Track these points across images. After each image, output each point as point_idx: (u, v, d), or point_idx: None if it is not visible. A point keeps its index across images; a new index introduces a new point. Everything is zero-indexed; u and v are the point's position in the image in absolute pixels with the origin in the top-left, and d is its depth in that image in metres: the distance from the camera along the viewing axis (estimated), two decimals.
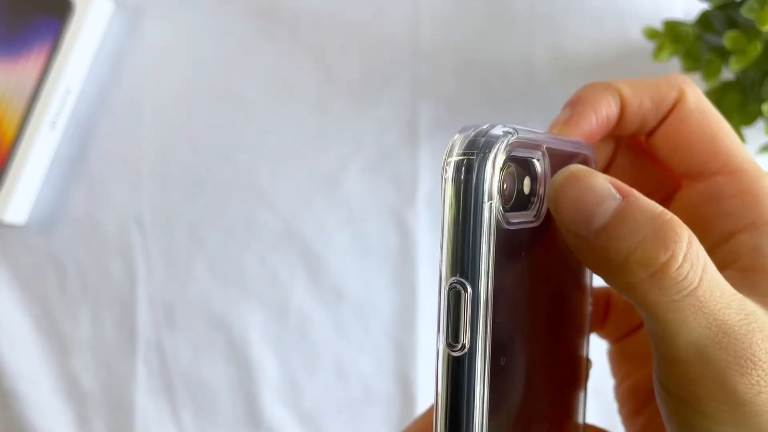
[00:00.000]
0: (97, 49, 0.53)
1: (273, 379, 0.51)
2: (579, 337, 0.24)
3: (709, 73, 0.42)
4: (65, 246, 0.52)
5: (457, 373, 0.16)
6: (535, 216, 0.18)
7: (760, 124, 0.42)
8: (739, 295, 0.17)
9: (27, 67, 0.51)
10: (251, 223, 0.52)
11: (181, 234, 0.52)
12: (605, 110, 0.21)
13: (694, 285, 0.16)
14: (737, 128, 0.42)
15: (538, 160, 0.19)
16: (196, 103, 0.53)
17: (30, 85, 0.51)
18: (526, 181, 0.18)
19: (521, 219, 0.17)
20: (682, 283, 0.16)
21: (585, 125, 0.21)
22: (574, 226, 0.17)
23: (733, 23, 0.42)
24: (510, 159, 0.18)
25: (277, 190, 0.52)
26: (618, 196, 0.17)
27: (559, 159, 0.19)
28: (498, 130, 0.18)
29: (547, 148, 0.19)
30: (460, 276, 0.16)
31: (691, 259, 0.16)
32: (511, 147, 0.18)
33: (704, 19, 0.43)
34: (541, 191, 0.19)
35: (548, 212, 0.19)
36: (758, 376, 0.16)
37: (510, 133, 0.18)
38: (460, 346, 0.16)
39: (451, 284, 0.16)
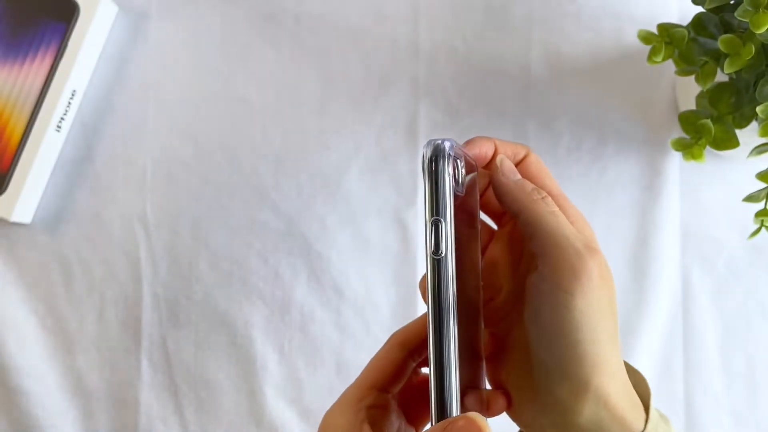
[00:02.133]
0: (102, 52, 0.54)
1: (275, 375, 0.52)
2: (478, 306, 0.34)
3: (703, 75, 0.42)
4: (70, 245, 0.53)
5: (439, 269, 0.29)
6: (460, 190, 0.31)
7: (753, 125, 0.43)
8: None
9: (33, 70, 0.52)
10: (253, 222, 0.53)
11: (185, 233, 0.53)
12: (485, 148, 0.33)
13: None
14: (731, 130, 0.43)
15: (462, 158, 0.31)
16: (199, 104, 0.54)
17: (36, 88, 0.51)
18: (458, 169, 0.31)
19: (457, 190, 0.30)
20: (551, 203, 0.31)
21: (476, 150, 0.33)
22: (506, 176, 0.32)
23: (727, 26, 0.43)
24: (453, 157, 0.30)
25: (278, 190, 0.53)
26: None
27: (468, 161, 0.32)
28: (447, 144, 0.30)
29: (464, 154, 0.32)
30: (437, 215, 0.29)
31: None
32: (454, 151, 0.30)
33: (698, 22, 0.43)
34: (462, 176, 0.31)
35: (466, 189, 0.32)
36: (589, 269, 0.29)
37: (452, 145, 0.30)
38: (440, 252, 0.29)
39: (433, 220, 0.29)
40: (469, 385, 0.31)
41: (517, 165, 0.34)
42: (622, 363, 0.31)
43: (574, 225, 0.32)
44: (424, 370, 0.35)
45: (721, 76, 0.42)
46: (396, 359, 0.34)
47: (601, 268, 0.30)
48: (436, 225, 0.29)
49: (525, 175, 0.34)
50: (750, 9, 0.38)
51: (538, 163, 0.35)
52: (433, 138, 0.31)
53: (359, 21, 0.54)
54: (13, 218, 0.51)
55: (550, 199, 0.32)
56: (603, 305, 0.30)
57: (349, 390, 0.34)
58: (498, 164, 0.33)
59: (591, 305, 0.29)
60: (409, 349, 0.35)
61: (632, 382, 0.32)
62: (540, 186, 0.33)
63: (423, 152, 0.31)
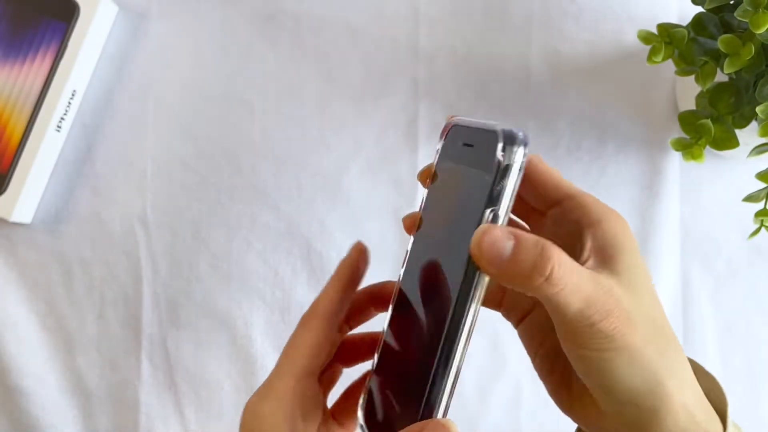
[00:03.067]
0: (102, 52, 0.54)
1: None
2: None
3: (703, 75, 0.42)
4: (71, 245, 0.53)
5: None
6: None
7: (753, 125, 0.43)
8: (594, 274, 0.28)
9: (33, 70, 0.52)
10: (254, 222, 0.53)
11: (185, 233, 0.53)
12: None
13: (566, 279, 0.26)
14: (731, 130, 0.43)
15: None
16: (199, 104, 0.54)
17: (36, 88, 0.51)
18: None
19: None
20: (561, 280, 0.26)
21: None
22: (493, 260, 0.27)
23: (727, 26, 0.43)
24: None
25: (279, 190, 0.53)
26: (511, 236, 0.27)
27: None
28: (521, 133, 0.29)
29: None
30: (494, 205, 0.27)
31: (561, 264, 0.26)
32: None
33: (698, 22, 0.43)
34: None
35: None
36: (613, 319, 0.27)
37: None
38: (499, 217, 0.27)
39: (490, 210, 0.27)
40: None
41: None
42: (690, 370, 0.30)
43: (611, 225, 0.31)
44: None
45: (720, 76, 0.42)
46: (327, 338, 0.33)
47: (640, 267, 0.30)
48: (494, 214, 0.27)
49: (536, 182, 0.32)
50: (750, 9, 0.38)
51: (541, 163, 0.33)
52: (493, 122, 0.29)
53: (359, 21, 0.54)
54: (13, 218, 0.51)
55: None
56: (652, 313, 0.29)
57: (278, 378, 0.33)
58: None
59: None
60: (339, 323, 0.34)
61: (705, 389, 0.30)
62: (557, 188, 0.32)
63: (486, 138, 0.28)
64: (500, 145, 0.28)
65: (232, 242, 0.53)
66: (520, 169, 0.28)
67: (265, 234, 0.53)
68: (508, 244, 0.26)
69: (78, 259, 0.53)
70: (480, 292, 0.28)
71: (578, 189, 0.32)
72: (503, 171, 0.27)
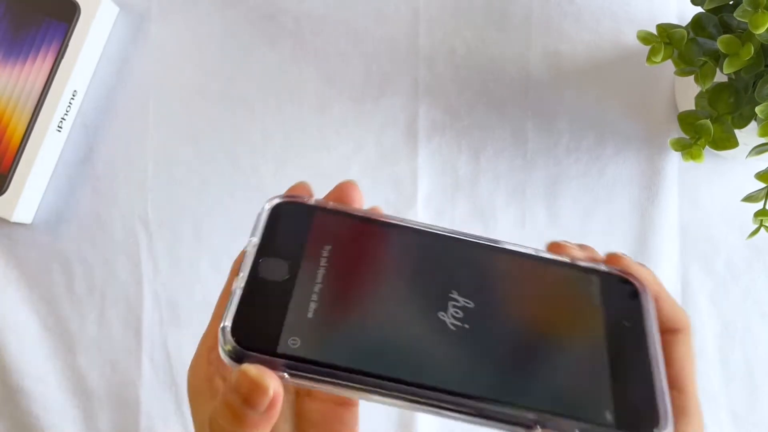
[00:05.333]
0: (103, 53, 0.54)
1: None
2: None
3: (702, 75, 0.42)
4: (72, 245, 0.53)
5: None
6: None
7: (752, 125, 0.43)
8: None
9: (34, 71, 0.52)
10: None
11: (186, 233, 0.53)
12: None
13: None
14: (731, 130, 0.43)
15: None
16: (199, 104, 0.54)
17: (37, 88, 0.52)
18: None
19: None
20: None
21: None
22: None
23: (726, 26, 0.43)
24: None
25: (279, 190, 0.53)
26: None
27: None
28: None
29: None
30: None
31: None
32: None
33: (697, 23, 0.43)
34: None
35: None
36: None
37: None
38: None
39: None
40: None
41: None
42: None
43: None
44: None
45: (720, 77, 0.43)
46: None
47: None
48: None
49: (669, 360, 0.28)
50: (749, 9, 0.38)
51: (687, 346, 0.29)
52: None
53: (359, 21, 0.54)
54: (14, 218, 0.51)
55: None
56: None
57: (201, 338, 0.32)
58: None
59: None
60: None
61: None
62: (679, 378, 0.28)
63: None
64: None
65: (233, 242, 0.52)
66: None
67: None
68: None
69: (79, 259, 0.53)
70: None
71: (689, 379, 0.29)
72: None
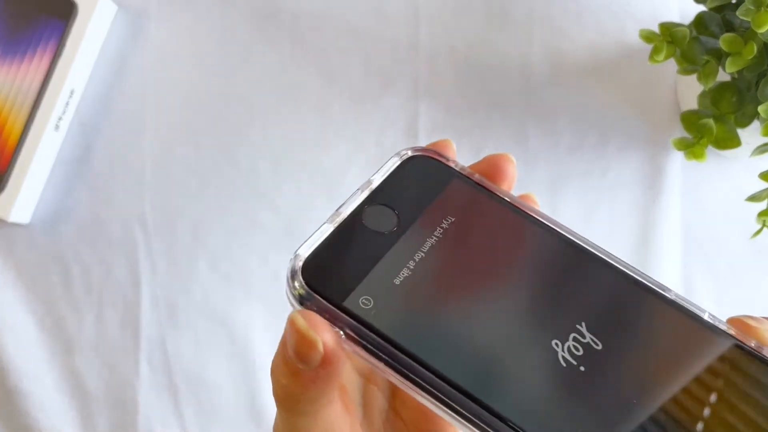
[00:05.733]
0: (101, 51, 0.54)
1: None
2: None
3: (705, 74, 0.42)
4: (69, 245, 0.52)
5: None
6: None
7: (755, 125, 0.42)
8: None
9: (32, 69, 0.52)
10: (253, 222, 0.52)
11: (184, 233, 0.52)
12: None
13: None
14: (733, 130, 0.43)
15: None
16: (198, 103, 0.54)
17: (35, 87, 0.51)
18: None
19: None
20: None
21: None
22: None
23: (728, 25, 0.43)
24: None
25: (278, 189, 0.53)
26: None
27: None
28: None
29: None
30: None
31: None
32: None
33: (700, 21, 0.43)
34: None
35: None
36: None
37: None
38: None
39: None
40: None
41: None
42: None
43: None
44: None
45: (722, 76, 0.42)
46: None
47: None
48: None
49: None
50: (752, 8, 0.37)
51: None
52: None
53: (359, 20, 0.54)
54: (11, 218, 0.51)
55: None
56: None
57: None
58: None
59: None
60: None
61: None
62: None
63: None
64: None
65: (232, 242, 0.52)
66: None
67: (264, 234, 0.52)
68: None
69: (76, 259, 0.52)
70: None
71: None
72: None
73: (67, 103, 0.52)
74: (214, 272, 0.52)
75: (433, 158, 0.26)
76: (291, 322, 0.22)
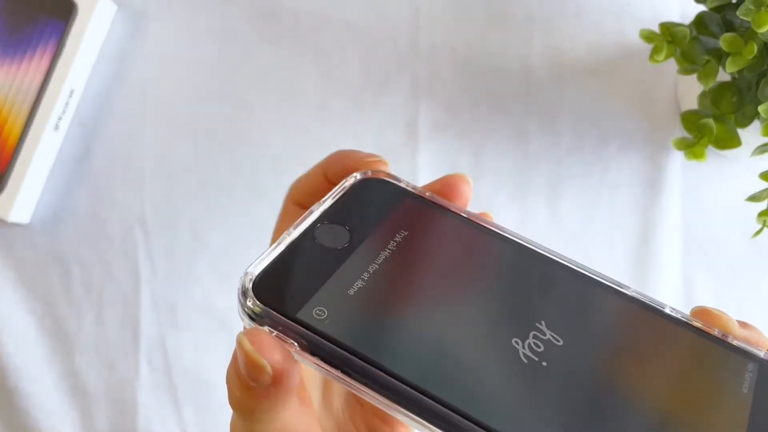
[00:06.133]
0: (100, 51, 0.54)
1: None
2: None
3: (705, 74, 0.42)
4: (69, 245, 0.52)
5: None
6: None
7: (755, 125, 0.42)
8: None
9: (31, 69, 0.51)
10: (253, 222, 0.52)
11: (184, 233, 0.52)
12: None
13: None
14: (733, 129, 0.43)
15: None
16: (198, 103, 0.54)
17: (34, 87, 0.51)
18: None
19: None
20: None
21: None
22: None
23: (729, 25, 0.43)
24: None
25: (278, 189, 0.52)
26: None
27: None
28: None
29: None
30: None
31: None
32: None
33: (700, 21, 0.43)
34: None
35: None
36: None
37: None
38: None
39: None
40: None
41: None
42: None
43: None
44: None
45: (723, 75, 0.42)
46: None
47: None
48: None
49: None
50: (752, 8, 0.37)
51: None
52: None
53: (359, 20, 0.54)
54: (11, 218, 0.51)
55: None
56: None
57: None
58: None
59: None
60: (307, 198, 0.30)
61: None
62: None
63: None
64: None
65: (231, 242, 0.52)
66: None
67: (264, 234, 0.52)
68: None
69: (76, 259, 0.52)
70: None
71: None
72: None
73: (67, 103, 0.52)
74: (214, 272, 0.52)
75: (384, 179, 0.27)
76: (239, 344, 0.22)
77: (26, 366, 0.52)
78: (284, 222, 0.31)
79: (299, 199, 0.31)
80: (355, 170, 0.28)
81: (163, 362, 0.52)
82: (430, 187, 0.27)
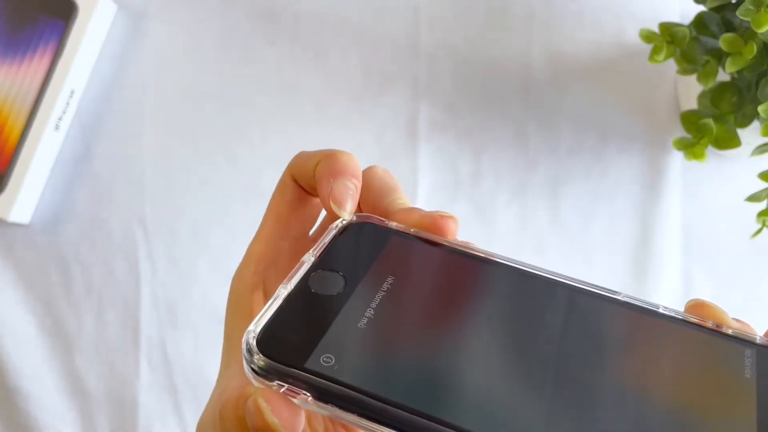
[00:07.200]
0: (101, 51, 0.54)
1: None
2: None
3: (705, 74, 0.42)
4: (69, 245, 0.52)
5: None
6: None
7: (755, 125, 0.42)
8: None
9: (32, 69, 0.52)
10: (253, 222, 0.52)
11: (184, 234, 0.52)
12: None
13: None
14: (733, 130, 0.43)
15: None
16: (198, 104, 0.54)
17: (35, 87, 0.51)
18: None
19: None
20: None
21: None
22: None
23: (728, 25, 0.43)
24: None
25: None
26: None
27: None
28: None
29: None
30: None
31: None
32: None
33: (700, 21, 0.43)
34: None
35: None
36: None
37: None
38: None
39: None
40: None
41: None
42: None
43: None
44: None
45: (722, 76, 0.42)
46: (292, 198, 0.31)
47: None
48: None
49: None
50: (752, 8, 0.37)
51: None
52: None
53: (359, 20, 0.54)
54: (11, 218, 0.51)
55: None
56: None
57: (251, 245, 0.31)
58: None
59: None
60: (301, 179, 0.31)
61: None
62: None
63: None
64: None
65: (231, 242, 0.52)
66: None
67: None
68: None
69: (76, 259, 0.52)
70: None
71: None
72: None
73: (68, 103, 0.52)
74: (214, 272, 0.52)
75: (369, 222, 0.27)
76: (255, 403, 0.22)
77: (26, 366, 0.52)
78: (277, 195, 0.32)
79: (295, 174, 0.31)
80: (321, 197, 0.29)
81: (163, 362, 0.52)
82: (416, 223, 0.27)
